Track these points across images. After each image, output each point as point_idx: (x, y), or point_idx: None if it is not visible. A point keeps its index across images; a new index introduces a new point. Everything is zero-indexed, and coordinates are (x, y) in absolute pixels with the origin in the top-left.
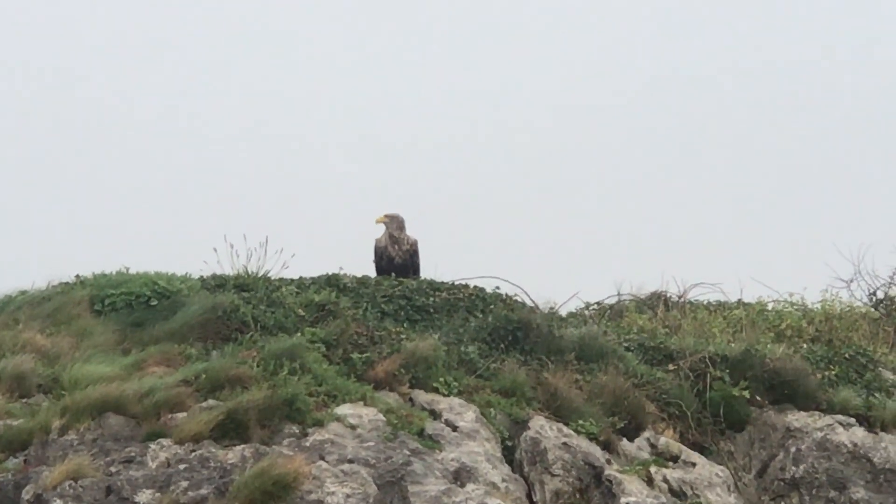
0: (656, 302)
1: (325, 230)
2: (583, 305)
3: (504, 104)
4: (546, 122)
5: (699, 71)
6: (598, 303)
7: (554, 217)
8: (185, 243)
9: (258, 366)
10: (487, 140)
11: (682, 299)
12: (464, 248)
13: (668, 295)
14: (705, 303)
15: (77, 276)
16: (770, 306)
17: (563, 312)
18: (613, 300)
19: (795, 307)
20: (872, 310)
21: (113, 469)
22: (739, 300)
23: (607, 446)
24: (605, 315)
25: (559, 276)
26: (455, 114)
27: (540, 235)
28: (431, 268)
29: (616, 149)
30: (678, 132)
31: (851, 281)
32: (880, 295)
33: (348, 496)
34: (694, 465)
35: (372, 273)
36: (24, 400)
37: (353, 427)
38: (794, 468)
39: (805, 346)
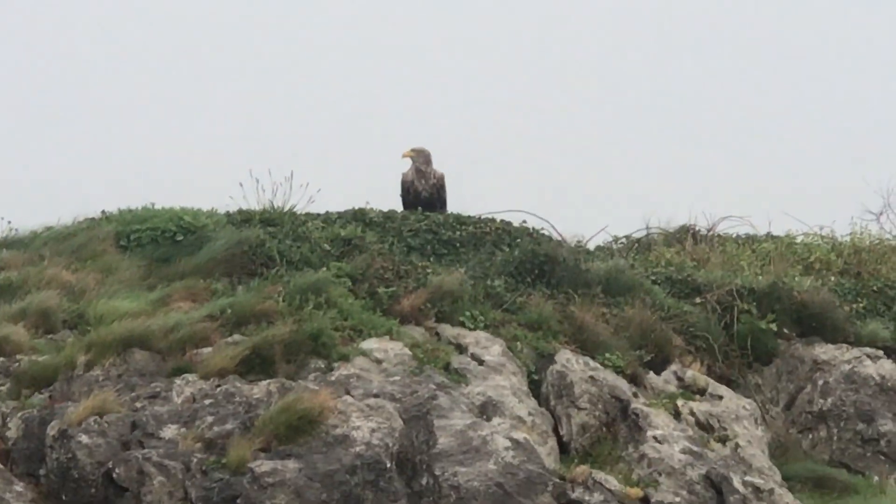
0: (685, 235)
1: (352, 164)
2: (611, 239)
3: (537, 37)
4: (574, 52)
5: None
6: (626, 236)
7: (582, 150)
8: (212, 178)
9: (283, 300)
10: (516, 73)
11: (711, 233)
12: (493, 183)
13: (697, 228)
14: (734, 236)
15: (103, 212)
16: (799, 239)
17: (591, 247)
18: (642, 234)
19: (824, 240)
20: None
21: (138, 404)
22: (768, 233)
23: (634, 380)
24: (632, 249)
25: (588, 211)
26: (483, 48)
27: (569, 169)
28: (458, 202)
29: (643, 80)
30: (708, 61)
31: (881, 214)
32: None
33: (374, 430)
34: (721, 398)
35: (399, 208)
36: (50, 336)
37: (378, 361)
38: (821, 401)
39: (833, 278)
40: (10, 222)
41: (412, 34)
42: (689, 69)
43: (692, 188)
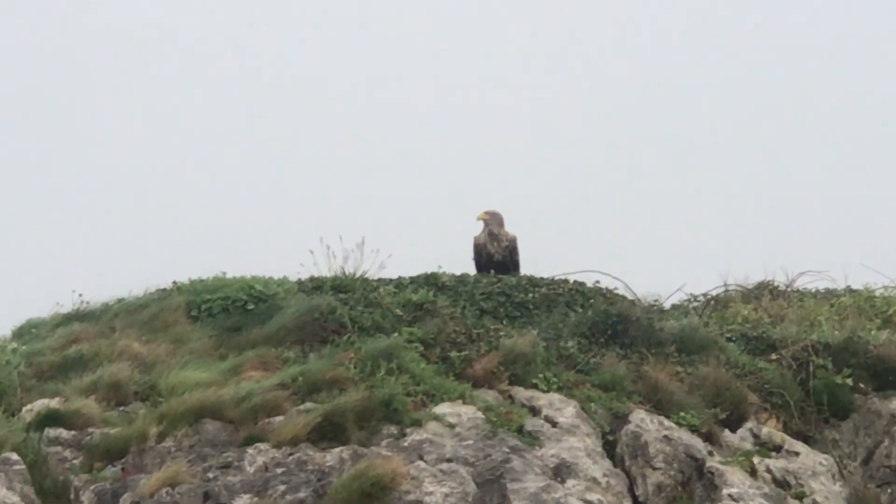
0: (763, 292)
1: (425, 230)
2: (687, 298)
3: (603, 92)
4: (641, 109)
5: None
6: (704, 294)
7: (659, 209)
8: (283, 247)
9: (355, 367)
10: (586, 134)
11: (790, 288)
12: (567, 245)
13: (776, 284)
14: (813, 291)
15: (174, 283)
16: (878, 293)
17: (668, 305)
18: (720, 291)
19: None
20: None
21: (210, 475)
22: (847, 287)
23: (709, 438)
24: (709, 306)
25: (666, 271)
26: (547, 108)
27: (646, 229)
28: (532, 264)
29: (717, 136)
30: (779, 115)
31: None
32: None
33: (447, 495)
34: (797, 454)
35: (472, 271)
36: (122, 408)
37: (451, 426)
38: None
39: None
40: (80, 295)
41: (483, 96)
42: (759, 119)
43: (772, 244)
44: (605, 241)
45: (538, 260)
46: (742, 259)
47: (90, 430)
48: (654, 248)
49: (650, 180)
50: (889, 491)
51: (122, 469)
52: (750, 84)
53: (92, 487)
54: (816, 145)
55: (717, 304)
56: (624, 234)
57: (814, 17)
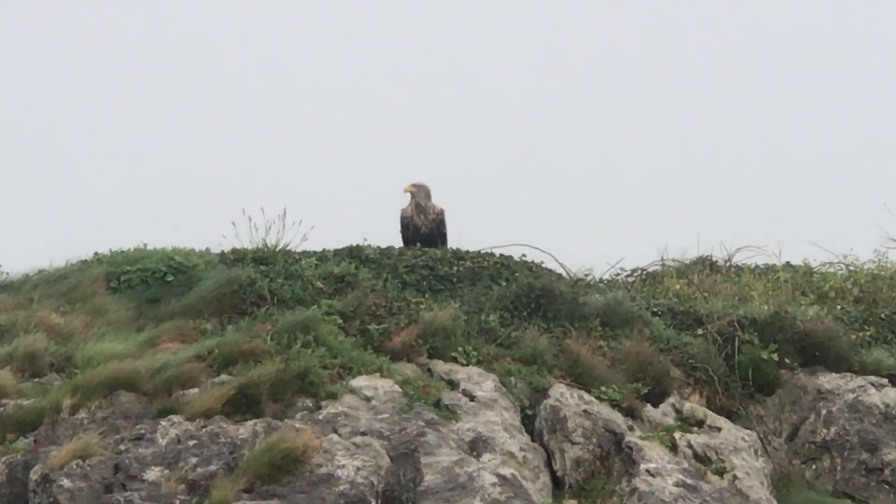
0: (702, 267)
1: (351, 202)
2: (627, 272)
3: (545, 68)
4: (581, 83)
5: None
6: (641, 269)
7: (599, 185)
8: (206, 219)
9: (272, 339)
10: (527, 103)
11: (728, 263)
12: (505, 219)
13: (714, 259)
14: (752, 266)
15: (95, 254)
16: (817, 268)
17: (604, 280)
18: (657, 266)
19: (841, 268)
20: None
21: (122, 447)
22: (787, 263)
23: (631, 413)
24: (639, 280)
25: (610, 247)
26: (488, 81)
27: (586, 205)
28: (461, 237)
29: (663, 114)
30: (723, 92)
31: None
32: None
33: (359, 469)
34: (720, 429)
35: (399, 244)
36: (36, 379)
37: (367, 399)
38: (824, 430)
39: (839, 307)
40: (0, 266)
41: (410, 66)
42: (706, 96)
43: (713, 221)
44: (547, 218)
45: (474, 236)
46: (687, 235)
47: (4, 401)
48: (599, 226)
49: (598, 158)
50: (814, 467)
51: (35, 441)
52: (688, 54)
53: (3, 459)
54: (758, 120)
55: (652, 280)
56: (567, 211)
57: None
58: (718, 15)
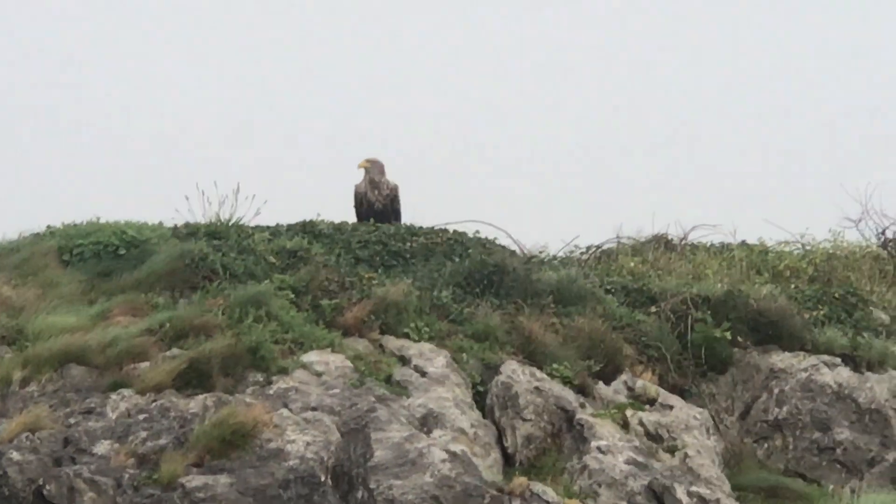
0: (657, 245)
1: (305, 178)
2: (582, 249)
3: (501, 40)
4: (547, 59)
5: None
6: (597, 246)
7: (556, 163)
8: (159, 193)
9: (223, 314)
10: (487, 84)
11: (683, 241)
12: (465, 198)
13: (669, 238)
14: (708, 245)
15: (48, 227)
16: (773, 247)
17: (560, 257)
18: (612, 244)
19: (797, 248)
20: (882, 250)
21: (72, 420)
22: (742, 242)
23: (583, 390)
24: (593, 258)
25: (564, 225)
26: (444, 54)
27: (542, 183)
28: (415, 214)
29: (621, 93)
30: (682, 72)
31: (860, 221)
32: (889, 235)
33: (308, 444)
34: (671, 407)
35: (353, 220)
36: None
37: (318, 374)
38: (777, 409)
39: (794, 285)
40: None
41: (370, 37)
42: (669, 73)
43: (670, 200)
44: (503, 197)
45: (432, 211)
46: (643, 214)
47: None
48: (555, 204)
49: (555, 136)
50: (766, 446)
51: None
52: (647, 30)
53: None
54: (720, 101)
55: (607, 257)
56: (523, 189)
57: None
58: None
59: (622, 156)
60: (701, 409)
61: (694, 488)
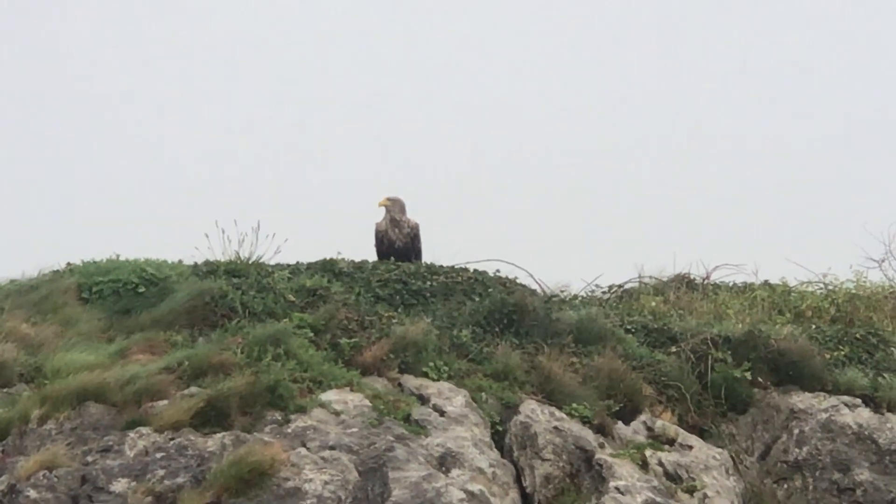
0: (679, 284)
1: (326, 216)
2: (604, 288)
3: (524, 82)
4: (568, 101)
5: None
6: (619, 286)
7: (579, 203)
8: (180, 231)
9: (242, 352)
10: (510, 125)
11: (705, 281)
12: (486, 237)
13: (692, 277)
14: (730, 284)
15: (67, 264)
16: (794, 287)
17: (580, 296)
18: (634, 283)
19: (820, 288)
20: None
21: (89, 458)
22: (765, 281)
23: (602, 430)
24: (614, 297)
25: (586, 264)
26: (465, 95)
27: (565, 222)
28: (436, 252)
29: (643, 133)
30: (704, 113)
31: (883, 261)
32: None
33: (326, 483)
34: (691, 447)
35: (373, 258)
36: (5, 390)
37: (337, 413)
38: (797, 450)
39: (813, 325)
40: None
41: (390, 81)
42: (685, 117)
43: (693, 240)
44: (525, 236)
45: (453, 250)
46: (665, 254)
47: None
48: (578, 244)
49: (578, 176)
50: (786, 486)
51: (2, 451)
52: (673, 73)
53: None
54: (741, 140)
55: (629, 297)
56: (546, 229)
57: None
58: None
59: (646, 194)
60: (720, 450)
61: None
